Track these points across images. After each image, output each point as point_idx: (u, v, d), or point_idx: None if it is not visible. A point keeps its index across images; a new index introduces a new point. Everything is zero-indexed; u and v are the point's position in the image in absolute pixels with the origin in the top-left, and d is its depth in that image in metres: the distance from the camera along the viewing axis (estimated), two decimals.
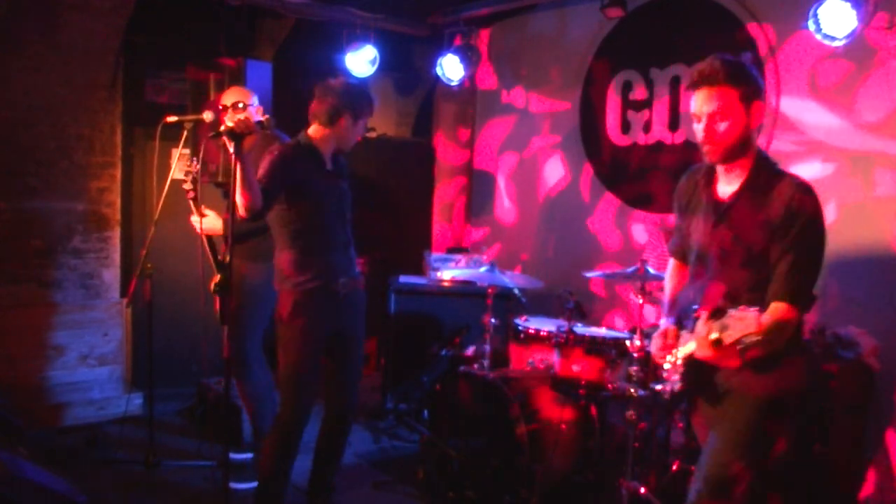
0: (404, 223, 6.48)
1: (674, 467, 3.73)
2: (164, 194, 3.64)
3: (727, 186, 2.42)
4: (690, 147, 4.70)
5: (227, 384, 2.85)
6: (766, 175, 2.35)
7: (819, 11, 3.76)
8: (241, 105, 3.46)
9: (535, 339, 4.00)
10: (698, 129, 2.34)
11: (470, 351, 4.75)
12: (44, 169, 4.74)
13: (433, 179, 6.65)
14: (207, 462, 4.06)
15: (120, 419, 4.59)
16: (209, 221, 3.62)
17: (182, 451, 4.30)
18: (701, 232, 2.46)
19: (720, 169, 2.44)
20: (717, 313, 2.09)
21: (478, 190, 6.35)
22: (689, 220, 2.54)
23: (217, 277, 2.83)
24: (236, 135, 2.74)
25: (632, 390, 3.49)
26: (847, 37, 3.73)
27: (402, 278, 5.24)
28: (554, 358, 3.81)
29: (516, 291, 4.33)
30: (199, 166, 3.32)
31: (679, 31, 4.75)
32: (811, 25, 3.80)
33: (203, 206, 3.49)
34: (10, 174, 4.64)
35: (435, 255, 5.38)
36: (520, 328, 4.08)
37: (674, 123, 4.82)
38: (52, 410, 4.73)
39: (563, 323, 3.81)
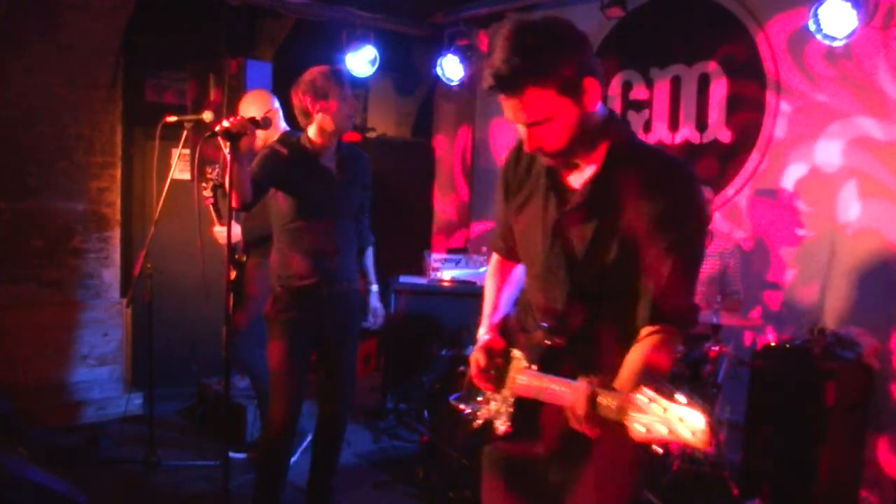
0: (404, 223, 6.47)
1: (674, 467, 3.73)
2: (164, 194, 3.64)
3: (580, 174, 1.81)
4: (691, 147, 4.70)
5: (227, 384, 2.85)
6: (627, 157, 1.76)
7: (819, 11, 3.76)
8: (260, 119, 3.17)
9: None
10: (522, 135, 1.76)
11: (470, 351, 4.74)
12: (44, 169, 4.74)
13: (433, 179, 6.65)
14: (207, 462, 4.07)
15: (120, 419, 4.59)
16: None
17: (182, 451, 4.29)
18: (540, 228, 1.85)
19: None
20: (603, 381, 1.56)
21: (478, 190, 6.34)
22: (522, 209, 1.91)
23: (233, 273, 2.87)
24: (232, 135, 2.74)
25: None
26: (847, 37, 3.73)
27: (402, 278, 5.24)
28: None
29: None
30: (218, 171, 3.32)
31: (679, 31, 4.75)
32: (811, 25, 3.80)
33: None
34: (10, 174, 4.64)
35: (435, 255, 5.37)
36: None
37: (674, 123, 4.82)
38: (52, 410, 4.73)
39: None
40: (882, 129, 3.90)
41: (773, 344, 3.81)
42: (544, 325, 1.85)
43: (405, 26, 6.05)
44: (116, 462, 4.11)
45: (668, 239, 1.68)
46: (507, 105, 1.70)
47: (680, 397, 1.40)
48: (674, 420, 1.39)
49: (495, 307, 2.06)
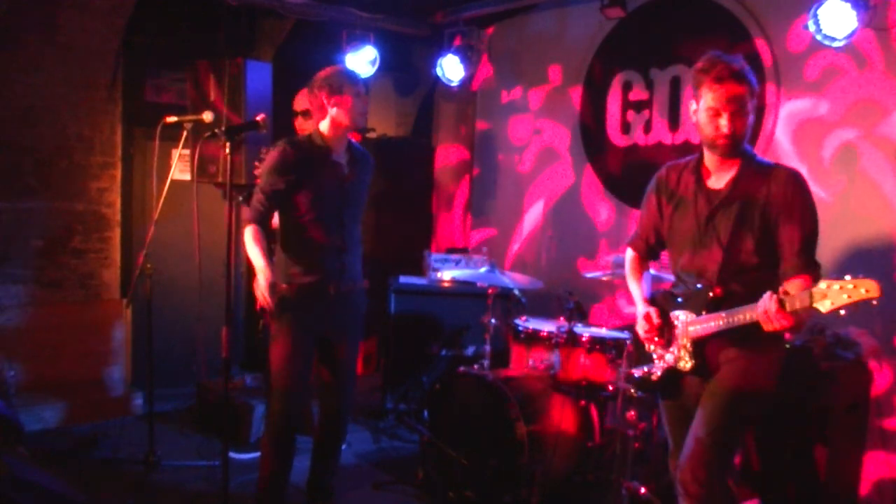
0: (404, 223, 6.47)
1: (674, 467, 3.73)
2: (164, 194, 3.64)
3: (719, 179, 2.60)
4: (691, 147, 4.70)
5: (226, 384, 2.86)
6: (756, 165, 2.56)
7: (819, 12, 3.76)
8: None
9: (535, 339, 4.00)
10: (721, 122, 2.48)
11: (470, 351, 4.75)
12: (44, 169, 4.74)
13: (433, 179, 6.65)
14: (207, 462, 4.07)
15: (120, 419, 4.59)
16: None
17: (182, 451, 4.29)
18: (693, 220, 2.62)
19: (711, 162, 2.62)
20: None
21: (478, 190, 6.34)
22: (674, 214, 2.71)
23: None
24: (232, 134, 2.74)
25: (632, 390, 3.49)
26: (847, 37, 3.73)
27: (402, 278, 5.24)
28: (554, 358, 3.81)
29: (516, 291, 4.32)
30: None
31: (679, 31, 4.75)
32: (811, 26, 3.80)
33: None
34: (10, 174, 4.65)
35: (435, 255, 5.37)
36: (520, 328, 4.08)
37: (674, 124, 4.82)
38: (53, 410, 4.73)
39: (563, 323, 3.81)
40: (882, 128, 3.90)
41: None
42: (699, 286, 2.59)
43: (405, 26, 6.05)
44: (116, 462, 4.11)
45: (797, 216, 2.47)
46: (725, 90, 2.45)
47: (846, 276, 2.14)
48: (849, 289, 2.14)
49: (642, 291, 2.85)
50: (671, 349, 2.67)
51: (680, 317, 2.65)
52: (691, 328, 2.59)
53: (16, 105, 4.60)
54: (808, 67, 4.18)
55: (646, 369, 2.76)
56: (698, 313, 2.58)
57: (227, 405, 3.05)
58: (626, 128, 5.13)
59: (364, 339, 6.17)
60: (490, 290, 4.13)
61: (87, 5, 4.59)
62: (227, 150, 2.75)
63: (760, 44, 4.35)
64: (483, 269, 4.20)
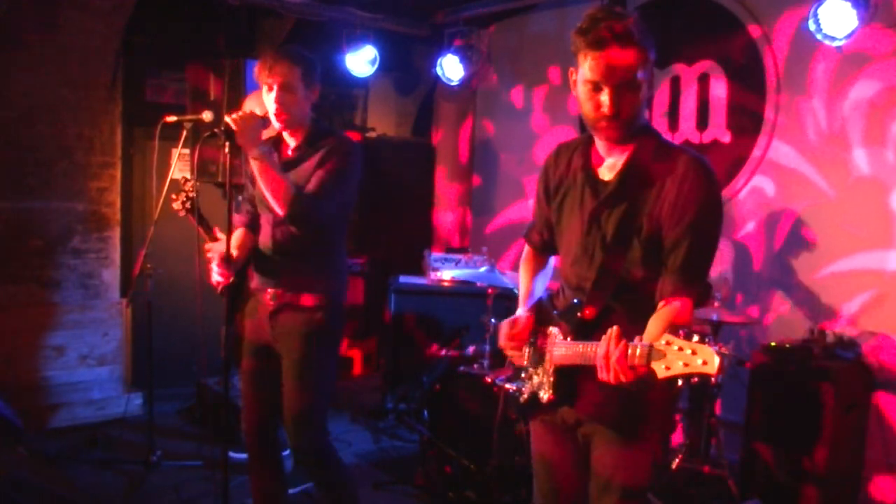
0: (404, 223, 6.47)
1: (674, 467, 3.73)
2: (163, 194, 3.63)
3: (609, 164, 2.07)
4: (691, 147, 4.69)
5: (226, 384, 2.85)
6: (653, 150, 2.01)
7: (819, 11, 3.76)
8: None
9: None
10: (602, 98, 1.92)
11: (470, 351, 4.75)
12: (44, 169, 4.74)
13: (433, 179, 6.65)
14: (207, 462, 4.07)
15: (120, 419, 4.59)
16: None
17: (182, 451, 4.29)
18: (578, 217, 2.10)
19: (601, 145, 2.08)
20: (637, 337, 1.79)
21: (478, 190, 6.34)
22: (561, 204, 2.17)
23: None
24: (232, 133, 2.70)
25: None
26: (847, 37, 3.73)
27: (402, 278, 5.24)
28: None
29: (516, 291, 4.32)
30: (194, 183, 3.21)
31: (679, 31, 4.75)
32: (811, 25, 3.80)
33: (216, 229, 3.24)
34: (10, 174, 4.64)
35: (435, 255, 5.37)
36: None
37: (673, 124, 4.82)
38: (52, 410, 4.74)
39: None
40: (882, 128, 3.89)
41: (773, 344, 3.81)
42: (576, 301, 2.08)
43: (405, 26, 6.05)
44: (116, 462, 4.11)
45: (686, 221, 1.92)
46: (607, 56, 1.90)
47: (694, 336, 1.64)
48: (688, 355, 1.63)
49: (528, 293, 2.33)
50: (538, 371, 2.16)
51: (552, 334, 2.13)
52: (556, 351, 2.08)
53: (16, 105, 4.60)
54: (808, 66, 4.17)
55: (515, 386, 2.24)
56: (568, 334, 2.08)
57: (227, 405, 3.04)
58: None
59: (364, 339, 6.17)
60: (490, 290, 4.13)
61: (87, 5, 4.59)
62: (227, 150, 2.74)
63: (761, 43, 4.35)
64: (483, 269, 4.20)
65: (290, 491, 4.01)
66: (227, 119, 2.69)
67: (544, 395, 2.10)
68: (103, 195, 4.97)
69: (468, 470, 3.65)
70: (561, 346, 2.06)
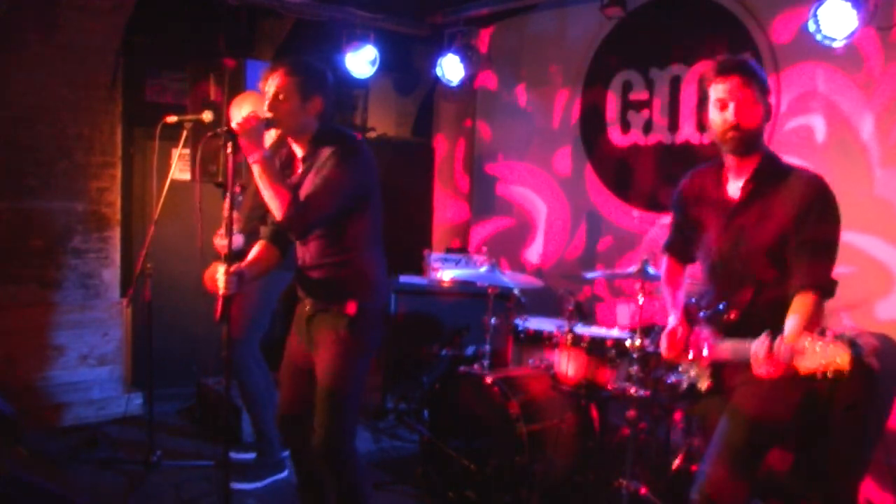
0: (404, 223, 6.47)
1: (674, 467, 3.73)
2: (164, 194, 3.64)
3: (736, 184, 2.49)
4: (690, 148, 4.70)
5: (227, 384, 2.85)
6: (773, 169, 2.43)
7: (819, 12, 3.75)
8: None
9: (535, 339, 4.00)
10: (727, 114, 2.37)
11: (470, 351, 4.75)
12: (44, 169, 4.74)
13: (433, 179, 6.65)
14: (207, 462, 4.07)
15: (120, 419, 4.59)
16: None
17: (182, 451, 4.30)
18: (714, 231, 2.52)
19: (730, 165, 2.49)
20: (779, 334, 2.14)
21: (478, 190, 6.35)
22: (698, 220, 2.60)
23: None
24: (234, 135, 2.70)
25: (632, 390, 3.49)
26: (847, 37, 3.73)
27: (402, 278, 5.23)
28: (554, 358, 3.81)
29: (516, 291, 4.32)
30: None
31: (679, 31, 4.75)
32: (811, 26, 3.80)
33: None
34: (10, 174, 4.64)
35: (435, 254, 5.38)
36: (520, 328, 4.08)
37: (673, 124, 4.82)
38: (52, 410, 4.73)
39: (563, 323, 3.81)
40: (882, 128, 3.90)
41: None
42: (720, 306, 2.48)
43: (405, 26, 6.05)
44: (116, 462, 4.11)
45: (811, 225, 2.31)
46: (731, 83, 2.37)
47: (827, 335, 1.98)
48: (825, 352, 1.96)
49: (675, 300, 2.72)
50: (693, 364, 2.57)
51: (702, 334, 2.53)
52: (706, 350, 2.50)
53: (16, 105, 4.60)
54: (808, 66, 4.18)
55: (675, 379, 2.66)
56: (717, 335, 2.47)
57: (227, 405, 3.04)
58: (625, 127, 5.13)
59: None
60: (490, 290, 4.13)
61: (87, 5, 4.59)
62: (228, 150, 2.74)
63: (761, 43, 4.35)
64: (483, 269, 4.21)
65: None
66: (238, 121, 2.64)
67: (703, 385, 2.52)
68: (103, 195, 4.97)
69: (468, 470, 3.65)
70: (714, 346, 2.45)
